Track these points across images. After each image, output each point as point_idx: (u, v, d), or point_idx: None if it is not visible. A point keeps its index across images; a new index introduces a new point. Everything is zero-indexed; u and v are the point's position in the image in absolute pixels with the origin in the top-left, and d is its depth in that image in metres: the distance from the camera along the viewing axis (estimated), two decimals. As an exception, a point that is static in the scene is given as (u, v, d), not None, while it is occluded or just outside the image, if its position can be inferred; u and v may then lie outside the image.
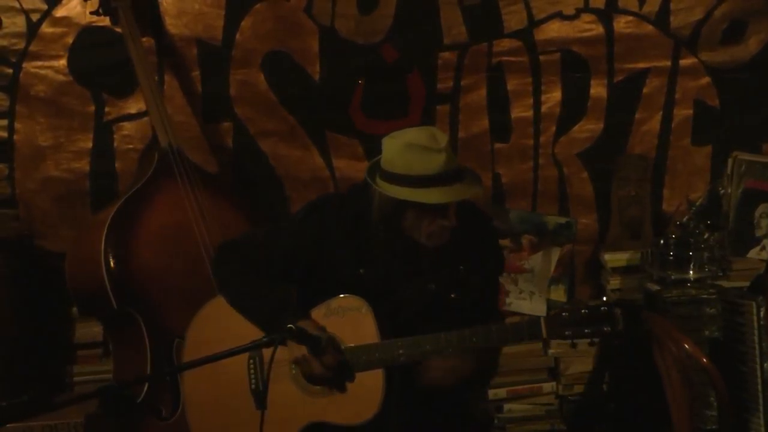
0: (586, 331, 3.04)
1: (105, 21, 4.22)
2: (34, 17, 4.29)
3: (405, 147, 3.11)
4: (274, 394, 3.16)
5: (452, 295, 3.24)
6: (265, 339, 2.97)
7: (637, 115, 4.45)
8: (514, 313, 4.36)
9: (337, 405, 3.19)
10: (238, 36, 4.35)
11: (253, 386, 3.27)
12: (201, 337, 3.36)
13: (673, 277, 4.06)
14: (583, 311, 3.05)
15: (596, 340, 3.10)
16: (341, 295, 3.20)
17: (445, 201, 3.11)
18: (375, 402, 3.15)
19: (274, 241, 3.33)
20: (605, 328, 3.03)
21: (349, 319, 3.19)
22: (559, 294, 4.40)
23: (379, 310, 3.19)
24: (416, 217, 3.16)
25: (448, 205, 3.13)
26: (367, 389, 3.16)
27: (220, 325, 3.33)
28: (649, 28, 4.39)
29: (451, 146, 3.14)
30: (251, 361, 3.27)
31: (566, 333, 3.06)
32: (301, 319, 3.15)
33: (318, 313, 3.22)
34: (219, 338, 3.23)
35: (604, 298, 3.14)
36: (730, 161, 4.34)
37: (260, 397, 3.25)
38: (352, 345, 3.18)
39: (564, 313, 3.07)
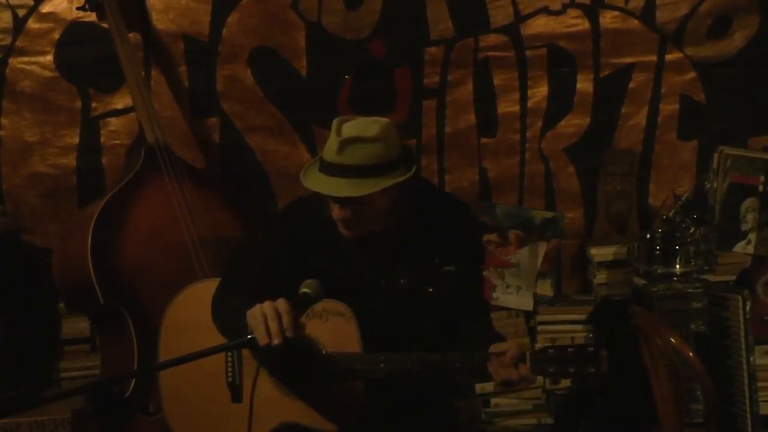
0: (570, 369, 2.89)
1: (91, 16, 4.21)
2: (21, 13, 4.27)
3: (332, 130, 3.06)
4: (250, 390, 3.16)
5: (429, 290, 3.17)
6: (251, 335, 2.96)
7: (623, 110, 4.46)
8: (501, 308, 4.38)
9: (313, 408, 3.12)
10: (224, 31, 4.34)
11: (229, 379, 3.21)
12: (178, 321, 3.32)
13: (659, 271, 4.08)
14: (569, 349, 2.91)
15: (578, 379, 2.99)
16: (326, 299, 3.09)
17: (315, 189, 3.05)
18: (350, 413, 3.07)
19: (256, 264, 3.28)
20: (590, 369, 2.88)
21: (331, 324, 3.11)
22: (545, 289, 4.41)
23: (355, 310, 3.11)
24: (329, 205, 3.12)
25: (333, 197, 3.05)
26: (346, 398, 3.08)
27: (199, 310, 3.27)
28: (635, 23, 4.39)
29: (377, 140, 2.99)
30: (229, 354, 3.21)
31: (550, 369, 2.91)
32: None
33: None
34: (197, 323, 3.21)
35: (591, 344, 3.03)
36: (716, 156, 4.35)
37: (236, 391, 3.22)
38: (332, 351, 3.10)
39: (550, 349, 2.94)
